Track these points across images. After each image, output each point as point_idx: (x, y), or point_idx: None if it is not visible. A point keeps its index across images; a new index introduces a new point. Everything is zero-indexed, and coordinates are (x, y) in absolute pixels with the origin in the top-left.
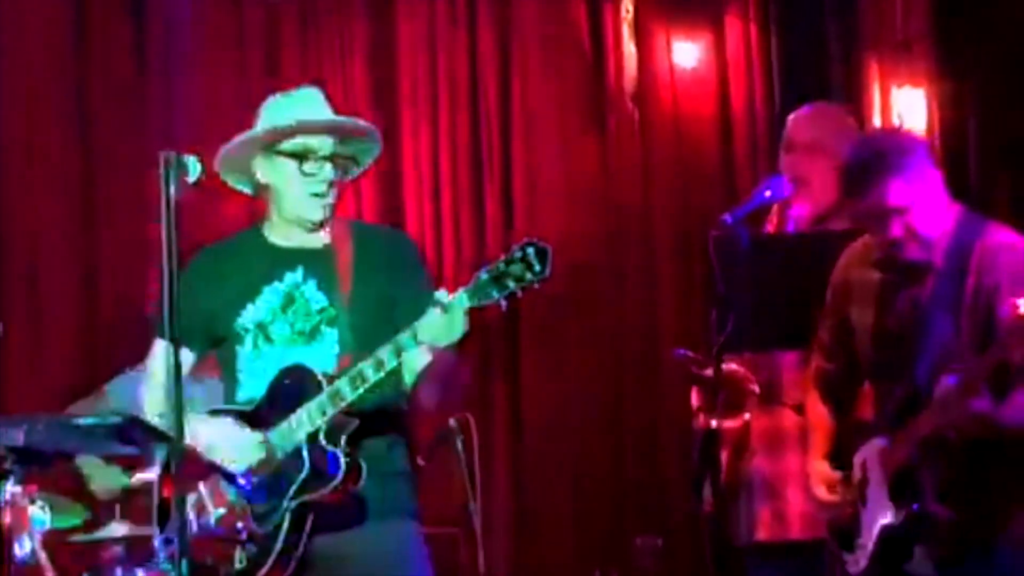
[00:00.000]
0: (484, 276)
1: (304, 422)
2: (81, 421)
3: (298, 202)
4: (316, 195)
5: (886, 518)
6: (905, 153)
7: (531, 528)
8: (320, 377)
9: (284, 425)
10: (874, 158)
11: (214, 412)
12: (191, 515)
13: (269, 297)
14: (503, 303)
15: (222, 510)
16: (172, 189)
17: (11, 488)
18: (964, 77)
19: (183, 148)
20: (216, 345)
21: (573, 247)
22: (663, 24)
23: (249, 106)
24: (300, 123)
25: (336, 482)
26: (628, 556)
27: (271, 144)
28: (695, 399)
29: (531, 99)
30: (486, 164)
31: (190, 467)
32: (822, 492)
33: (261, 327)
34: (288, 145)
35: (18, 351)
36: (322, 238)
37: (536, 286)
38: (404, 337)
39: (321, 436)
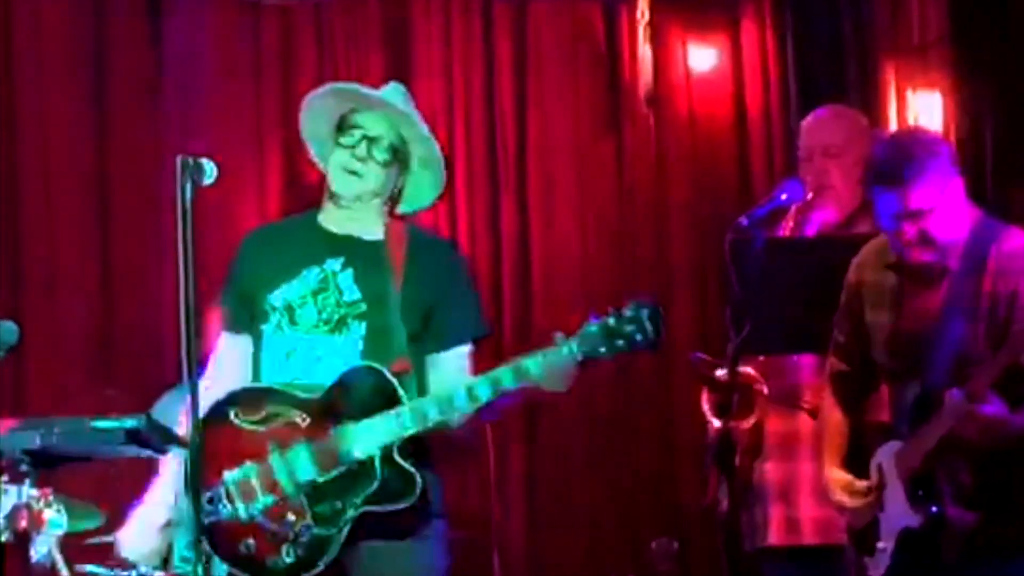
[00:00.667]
0: (593, 328)
1: (380, 432)
2: (97, 424)
3: (333, 174)
4: (348, 171)
5: (905, 521)
6: (930, 156)
7: (546, 532)
8: (397, 390)
9: (356, 430)
10: (899, 158)
11: (266, 391)
12: (234, 498)
13: (307, 278)
14: (611, 359)
15: (271, 498)
16: (188, 193)
17: (27, 491)
18: (980, 80)
19: (199, 152)
20: None
21: (588, 252)
22: (679, 28)
23: (264, 112)
24: (328, 87)
25: (410, 499)
26: (644, 560)
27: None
28: (705, 402)
29: (546, 103)
30: (501, 168)
31: (236, 444)
32: (843, 498)
33: (289, 308)
34: (342, 122)
35: (35, 355)
36: (376, 232)
37: (647, 350)
38: (509, 373)
39: (395, 450)
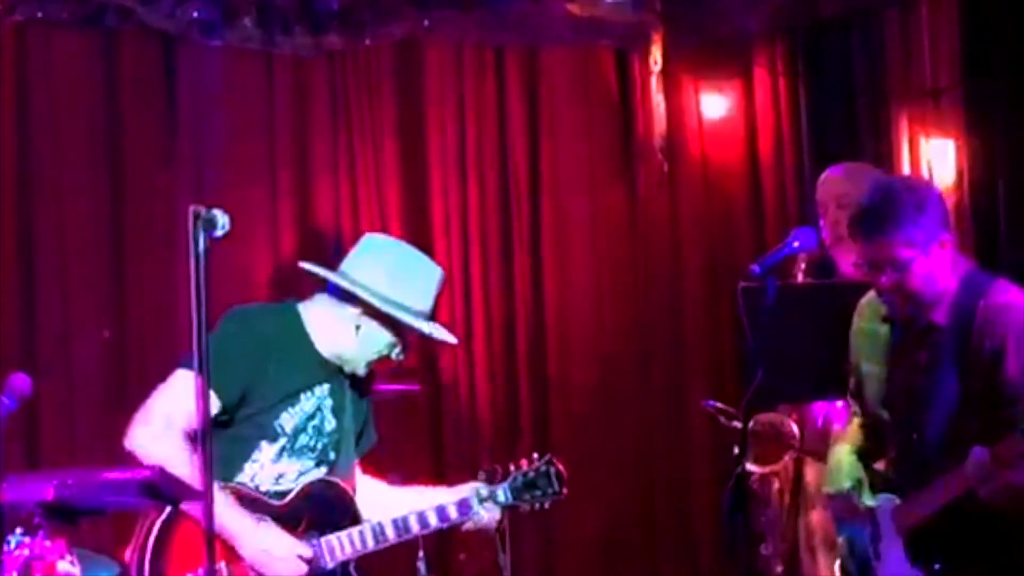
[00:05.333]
0: (520, 480)
1: (344, 547)
2: (111, 476)
3: (360, 355)
4: (375, 361)
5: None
6: (913, 209)
7: None
8: (357, 508)
9: (325, 545)
10: (879, 209)
11: (252, 502)
12: None
13: (304, 406)
14: (525, 509)
15: None
16: (201, 244)
17: (41, 543)
18: (993, 126)
19: (213, 203)
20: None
21: (602, 299)
22: (691, 76)
23: (277, 162)
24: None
25: None
26: None
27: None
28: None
29: (560, 151)
30: (515, 217)
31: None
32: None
33: (294, 435)
34: (399, 320)
35: (49, 408)
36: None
37: (547, 505)
38: (455, 508)
39: (352, 565)
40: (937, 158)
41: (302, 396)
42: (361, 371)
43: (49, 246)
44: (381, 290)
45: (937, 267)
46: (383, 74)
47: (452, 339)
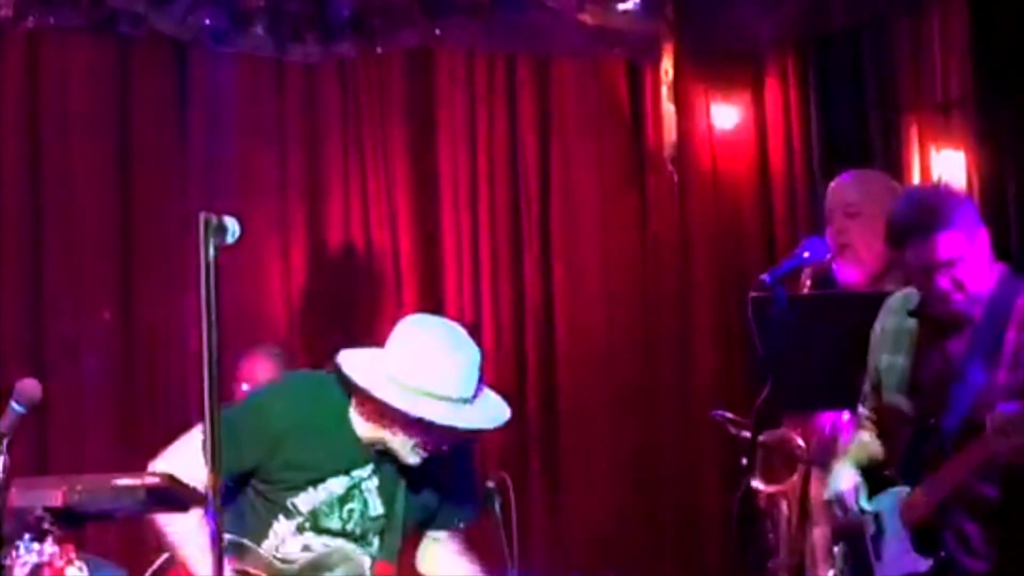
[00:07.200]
0: None
1: None
2: (119, 482)
3: (403, 448)
4: (419, 448)
5: (910, 567)
6: (955, 207)
7: None
8: None
9: None
10: (924, 211)
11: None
12: None
13: (332, 486)
14: None
15: None
16: (211, 251)
17: (49, 549)
18: (1004, 139)
19: (223, 210)
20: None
21: (612, 310)
22: (702, 86)
23: (288, 168)
24: (462, 429)
25: None
26: None
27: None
28: (745, 463)
29: (570, 161)
30: (525, 225)
31: None
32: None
33: (314, 515)
34: (438, 420)
35: (59, 413)
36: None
37: None
38: None
39: None
40: (948, 170)
41: (329, 479)
42: (410, 460)
43: (59, 251)
44: (401, 378)
45: (983, 262)
46: (394, 82)
47: (500, 422)
